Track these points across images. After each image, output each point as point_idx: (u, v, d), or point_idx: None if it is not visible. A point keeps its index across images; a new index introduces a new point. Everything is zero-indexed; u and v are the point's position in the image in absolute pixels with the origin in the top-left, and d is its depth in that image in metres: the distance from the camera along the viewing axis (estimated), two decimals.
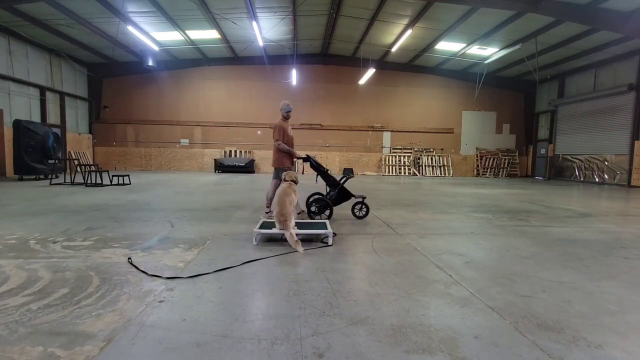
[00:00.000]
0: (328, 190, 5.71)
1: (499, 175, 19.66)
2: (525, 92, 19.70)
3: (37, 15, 12.24)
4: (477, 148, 20.01)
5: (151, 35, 14.45)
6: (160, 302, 2.39)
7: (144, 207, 6.37)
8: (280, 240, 4.08)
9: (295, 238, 3.70)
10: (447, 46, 15.42)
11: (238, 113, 18.83)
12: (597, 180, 15.38)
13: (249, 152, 18.96)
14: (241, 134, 19.02)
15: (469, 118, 19.88)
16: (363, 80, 17.65)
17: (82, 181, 10.32)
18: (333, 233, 4.11)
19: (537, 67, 14.93)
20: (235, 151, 18.91)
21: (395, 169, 19.31)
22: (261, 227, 4.14)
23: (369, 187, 11.47)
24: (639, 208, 7.72)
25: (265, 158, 18.77)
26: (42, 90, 14.78)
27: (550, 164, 18.29)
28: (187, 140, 18.99)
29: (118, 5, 11.77)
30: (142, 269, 3.00)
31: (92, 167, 10.98)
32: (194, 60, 18.21)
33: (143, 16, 12.86)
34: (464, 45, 15.07)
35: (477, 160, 19.88)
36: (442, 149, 19.85)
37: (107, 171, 11.95)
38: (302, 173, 6.23)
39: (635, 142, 13.62)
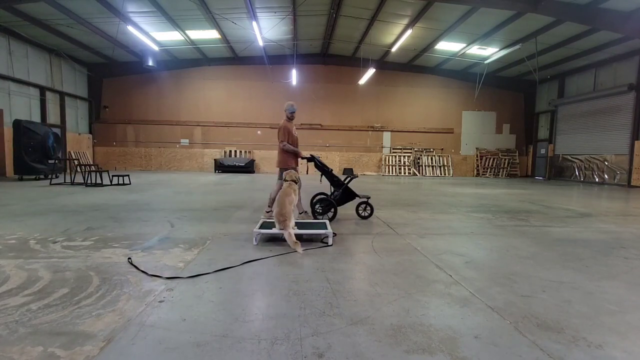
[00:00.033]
0: (332, 190, 5.70)
1: (499, 175, 19.65)
2: (525, 92, 19.70)
3: (37, 15, 12.24)
4: (477, 148, 20.00)
5: (151, 35, 14.45)
6: (160, 302, 2.39)
7: (144, 207, 6.37)
8: (280, 240, 4.07)
9: (294, 238, 3.69)
10: (447, 46, 15.41)
11: (238, 113, 18.83)
12: (597, 180, 15.37)
13: (249, 152, 18.95)
14: (241, 134, 19.01)
15: (469, 118, 19.87)
16: (363, 80, 17.64)
17: (82, 181, 10.32)
18: (333, 233, 4.12)
19: (537, 67, 14.92)
20: (235, 151, 18.90)
21: (395, 169, 19.30)
22: (261, 227, 4.14)
23: (369, 187, 11.46)
24: (639, 208, 7.72)
25: (265, 158, 18.76)
26: (42, 90, 14.78)
27: (550, 164, 18.28)
28: (187, 140, 18.99)
29: (118, 5, 11.77)
30: (142, 269, 3.00)
31: (92, 167, 10.98)
32: (194, 60, 18.20)
33: (143, 16, 12.86)
34: (464, 45, 15.07)
35: (477, 160, 19.87)
36: (442, 149, 19.84)
37: (107, 171, 11.94)
38: (307, 173, 6.21)
39: (635, 142, 13.61)
